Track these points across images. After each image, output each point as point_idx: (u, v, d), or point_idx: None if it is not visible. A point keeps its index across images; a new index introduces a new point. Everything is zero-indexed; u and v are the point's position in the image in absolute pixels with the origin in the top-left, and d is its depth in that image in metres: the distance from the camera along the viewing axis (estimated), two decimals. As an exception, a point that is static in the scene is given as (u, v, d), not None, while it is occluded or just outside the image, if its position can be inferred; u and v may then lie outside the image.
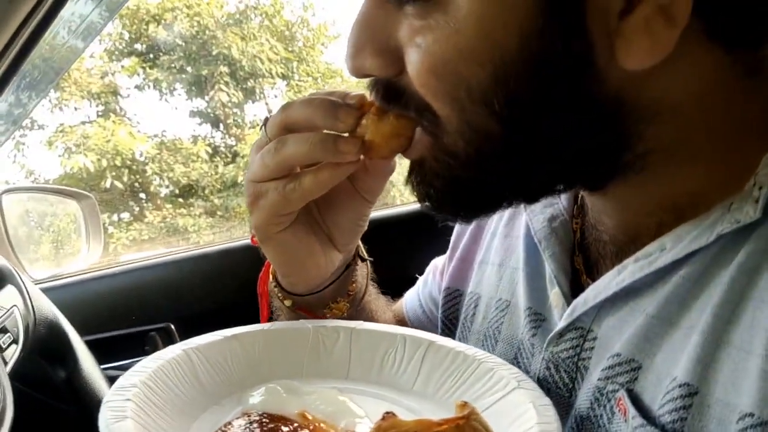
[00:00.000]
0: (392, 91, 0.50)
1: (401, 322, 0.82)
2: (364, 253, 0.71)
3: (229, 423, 0.48)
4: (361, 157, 0.55)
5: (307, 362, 0.58)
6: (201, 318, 1.30)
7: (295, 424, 0.48)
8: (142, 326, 1.28)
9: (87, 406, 0.91)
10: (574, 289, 0.56)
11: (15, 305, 0.87)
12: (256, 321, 1.31)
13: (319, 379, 0.57)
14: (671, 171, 0.48)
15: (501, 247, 0.67)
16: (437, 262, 0.81)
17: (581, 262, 0.58)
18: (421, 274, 0.84)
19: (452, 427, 0.40)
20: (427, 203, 0.53)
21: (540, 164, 0.48)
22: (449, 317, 0.72)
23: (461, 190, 0.50)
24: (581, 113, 0.45)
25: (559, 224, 0.59)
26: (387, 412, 0.42)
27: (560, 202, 0.60)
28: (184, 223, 5.75)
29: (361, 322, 0.62)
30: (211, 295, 1.32)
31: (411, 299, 0.83)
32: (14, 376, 0.81)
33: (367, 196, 0.63)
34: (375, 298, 0.75)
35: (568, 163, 0.48)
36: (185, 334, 1.28)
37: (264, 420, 0.48)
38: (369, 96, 0.53)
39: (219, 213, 5.85)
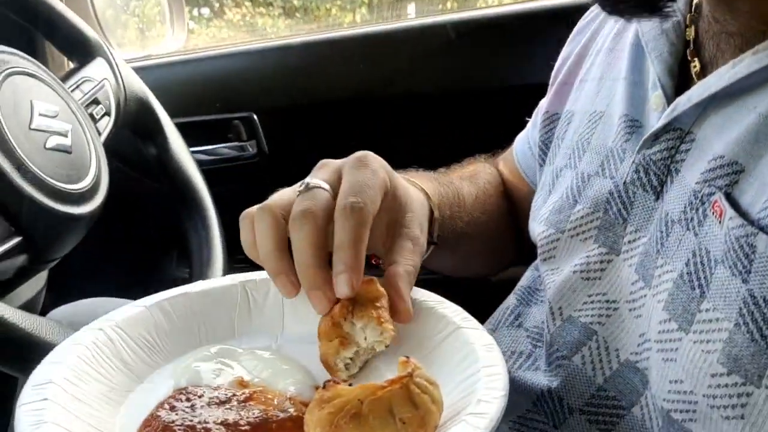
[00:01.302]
0: None
1: (512, 167, 0.81)
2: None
3: (161, 405, 0.44)
4: None
5: (238, 322, 0.55)
6: (283, 111, 1.30)
7: (231, 394, 0.45)
8: (226, 114, 1.29)
9: (177, 183, 0.94)
10: (678, 94, 0.53)
11: (105, 78, 0.88)
12: (341, 115, 1.31)
13: (253, 338, 0.53)
14: None
15: (604, 61, 0.65)
16: (544, 102, 0.78)
17: (694, 53, 0.55)
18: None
19: (396, 388, 0.38)
20: None
21: None
22: (545, 142, 0.71)
23: None
24: None
25: (671, 26, 0.56)
26: (328, 381, 0.40)
27: (676, 4, 0.56)
28: (263, 23, 5.65)
29: None
30: (293, 88, 1.30)
31: (521, 141, 0.81)
32: (108, 150, 0.84)
33: None
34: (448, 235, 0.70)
35: None
36: (267, 125, 1.30)
37: (198, 395, 0.44)
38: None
39: (298, 15, 5.72)
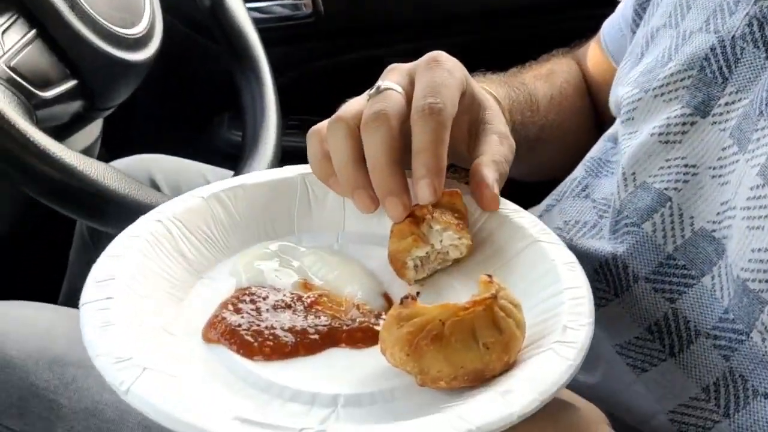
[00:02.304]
0: None
1: (598, 56, 0.75)
2: None
3: (225, 305, 0.43)
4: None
5: (298, 217, 0.52)
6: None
7: (296, 297, 0.43)
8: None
9: (232, 38, 0.91)
10: None
11: None
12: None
13: (314, 235, 0.51)
14: None
15: None
16: None
17: None
18: None
19: (480, 310, 0.35)
20: None
21: None
22: (642, 6, 0.65)
23: None
24: None
25: None
26: (405, 297, 0.36)
27: None
28: None
29: None
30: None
31: (609, 25, 0.74)
32: (161, 3, 0.81)
33: None
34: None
35: None
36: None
37: (263, 296, 0.43)
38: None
39: None
